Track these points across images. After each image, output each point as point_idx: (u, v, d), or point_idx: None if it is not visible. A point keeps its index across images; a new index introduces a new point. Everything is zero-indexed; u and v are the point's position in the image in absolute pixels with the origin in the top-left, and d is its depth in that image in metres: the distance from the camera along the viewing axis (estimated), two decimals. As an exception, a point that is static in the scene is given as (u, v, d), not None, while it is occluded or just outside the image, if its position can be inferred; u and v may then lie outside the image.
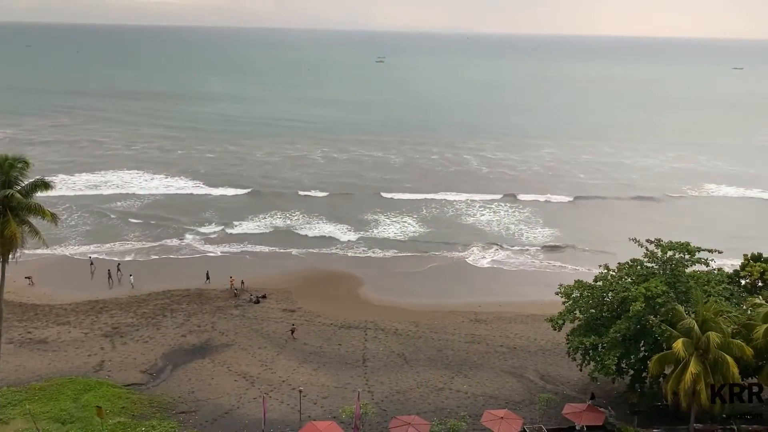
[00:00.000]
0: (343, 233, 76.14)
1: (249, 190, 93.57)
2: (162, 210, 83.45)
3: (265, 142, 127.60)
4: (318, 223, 79.61)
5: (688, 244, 40.65)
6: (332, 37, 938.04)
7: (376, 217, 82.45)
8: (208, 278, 60.66)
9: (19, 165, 34.87)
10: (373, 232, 77.16)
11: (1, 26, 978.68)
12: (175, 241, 72.02)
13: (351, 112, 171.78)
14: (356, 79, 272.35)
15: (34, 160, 38.43)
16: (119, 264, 62.35)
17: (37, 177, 36.38)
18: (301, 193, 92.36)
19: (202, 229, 75.95)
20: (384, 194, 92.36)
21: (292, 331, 50.37)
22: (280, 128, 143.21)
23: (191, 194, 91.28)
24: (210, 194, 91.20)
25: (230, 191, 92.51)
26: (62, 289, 58.01)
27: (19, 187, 34.83)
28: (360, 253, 70.56)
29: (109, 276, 60.44)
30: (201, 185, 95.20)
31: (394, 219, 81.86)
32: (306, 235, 75.50)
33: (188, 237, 73.55)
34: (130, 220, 78.74)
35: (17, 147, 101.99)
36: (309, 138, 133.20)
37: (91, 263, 63.94)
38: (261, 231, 76.52)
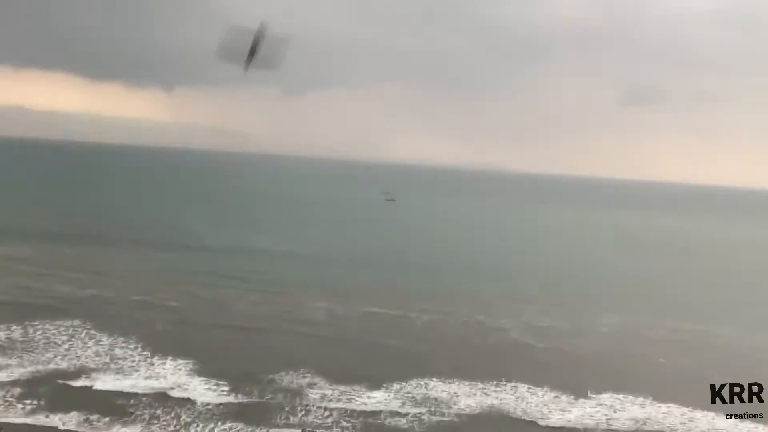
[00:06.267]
0: None
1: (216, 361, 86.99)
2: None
3: (250, 295, 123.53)
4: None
5: None
6: (335, 168, 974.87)
7: (390, 409, 75.43)
8: None
9: None
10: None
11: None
12: None
13: (361, 267, 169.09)
14: (364, 223, 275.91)
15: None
16: None
17: None
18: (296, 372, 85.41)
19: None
20: (405, 376, 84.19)
21: None
22: (271, 282, 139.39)
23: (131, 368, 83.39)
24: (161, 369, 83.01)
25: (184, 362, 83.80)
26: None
27: None
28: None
29: None
30: (145, 350, 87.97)
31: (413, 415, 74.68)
32: None
33: None
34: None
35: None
36: (310, 292, 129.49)
37: None
38: None
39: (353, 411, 73.42)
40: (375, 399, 77.21)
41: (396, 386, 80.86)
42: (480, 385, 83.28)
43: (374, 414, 73.43)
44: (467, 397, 79.87)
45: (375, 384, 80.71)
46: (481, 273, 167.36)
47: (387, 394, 78.59)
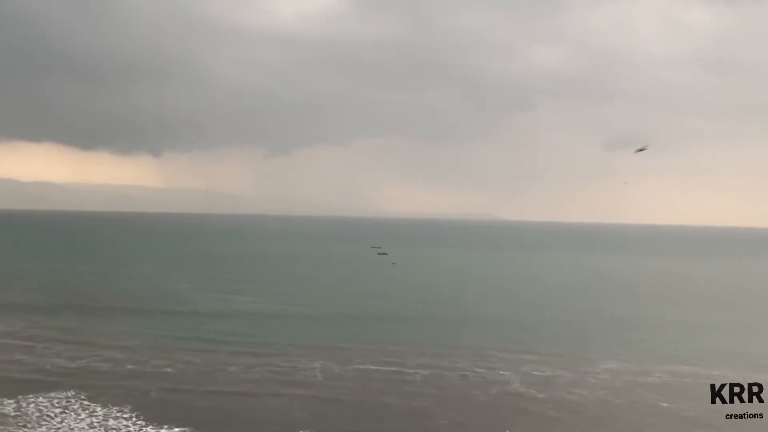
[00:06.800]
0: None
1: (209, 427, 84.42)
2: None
3: (244, 358, 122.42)
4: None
5: None
6: (325, 225, 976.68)
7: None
8: None
9: None
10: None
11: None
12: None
13: (355, 323, 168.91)
14: (356, 278, 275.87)
15: None
16: None
17: None
18: None
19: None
20: None
21: None
22: (264, 344, 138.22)
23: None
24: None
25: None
26: None
27: None
28: None
29: None
30: (139, 419, 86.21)
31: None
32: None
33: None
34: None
35: None
36: (304, 352, 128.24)
37: None
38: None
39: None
40: (377, 459, 75.79)
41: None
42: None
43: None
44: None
45: (376, 444, 79.30)
46: (477, 324, 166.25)
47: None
